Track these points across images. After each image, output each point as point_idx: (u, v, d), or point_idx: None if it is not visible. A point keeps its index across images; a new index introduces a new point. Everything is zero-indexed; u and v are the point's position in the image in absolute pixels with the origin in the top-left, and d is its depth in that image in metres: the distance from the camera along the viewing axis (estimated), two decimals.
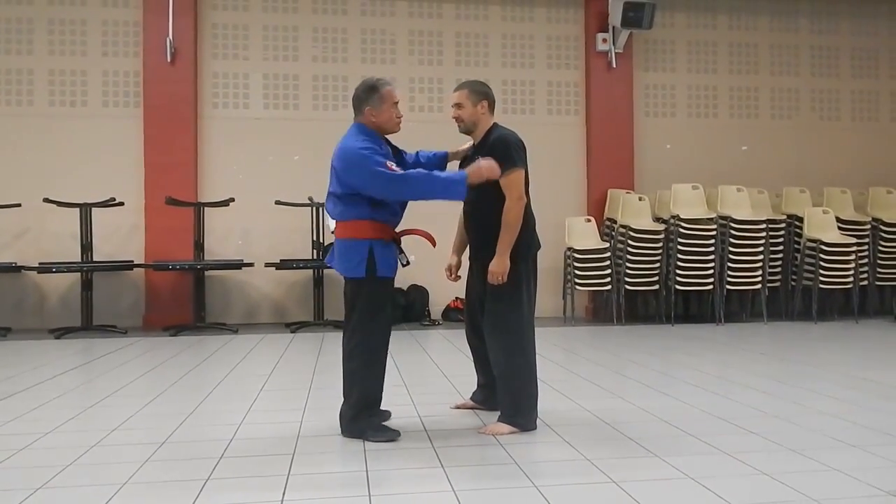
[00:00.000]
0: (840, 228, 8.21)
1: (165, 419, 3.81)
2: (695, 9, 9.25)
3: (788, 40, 9.46)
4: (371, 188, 3.30)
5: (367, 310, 3.38)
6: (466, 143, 3.79)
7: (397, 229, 3.52)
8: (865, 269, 8.27)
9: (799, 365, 5.43)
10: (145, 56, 8.10)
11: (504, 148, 3.47)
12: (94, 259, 7.65)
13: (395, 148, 3.59)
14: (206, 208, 7.83)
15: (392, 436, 3.39)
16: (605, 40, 8.76)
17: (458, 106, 3.63)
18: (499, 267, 3.42)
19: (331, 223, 7.54)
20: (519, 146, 3.53)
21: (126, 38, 8.19)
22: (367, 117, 3.42)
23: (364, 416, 3.42)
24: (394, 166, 3.30)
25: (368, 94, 3.41)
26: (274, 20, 8.47)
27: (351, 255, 3.37)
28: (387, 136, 3.52)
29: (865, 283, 8.31)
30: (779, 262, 8.29)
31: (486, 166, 3.32)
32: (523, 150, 3.54)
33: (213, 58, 8.37)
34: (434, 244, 3.63)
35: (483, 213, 3.54)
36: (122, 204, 7.76)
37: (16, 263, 7.54)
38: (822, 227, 8.12)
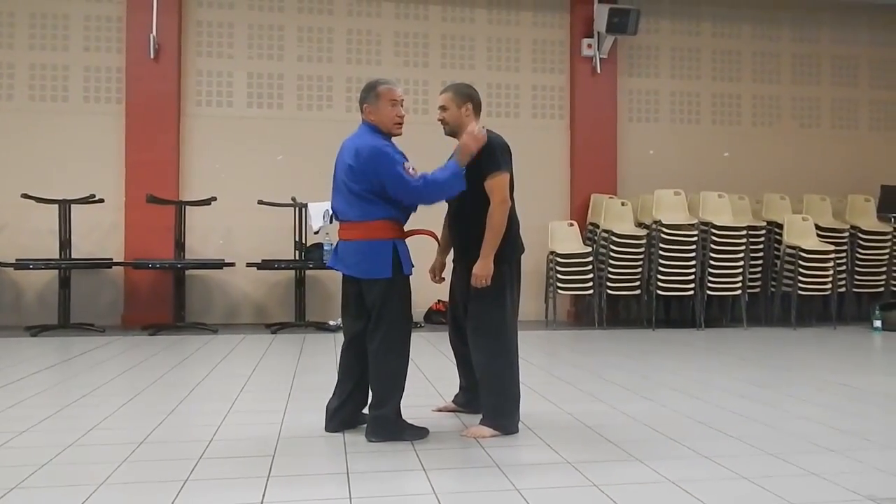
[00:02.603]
0: (819, 235, 8.31)
1: (144, 419, 3.77)
2: (679, 16, 9.32)
3: (770, 48, 9.56)
4: (392, 189, 3.30)
5: (397, 309, 3.38)
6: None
7: None
8: (843, 276, 8.37)
9: (778, 370, 5.48)
10: (128, 52, 8.03)
11: (489, 151, 3.46)
12: (73, 256, 7.56)
13: None
14: (187, 207, 7.76)
15: (425, 434, 3.42)
16: (590, 45, 8.81)
17: (443, 108, 3.64)
18: (483, 270, 3.41)
19: (315, 224, 7.59)
20: (504, 149, 3.52)
21: (109, 33, 8.12)
22: (367, 115, 3.43)
23: (400, 416, 3.42)
24: (412, 169, 3.32)
25: (366, 92, 3.45)
26: (259, 19, 8.43)
27: (375, 255, 3.33)
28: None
29: (843, 289, 8.41)
30: (759, 268, 8.37)
31: (469, 142, 3.37)
32: (508, 154, 3.54)
33: (198, 55, 8.31)
34: (438, 240, 3.77)
35: (468, 215, 3.53)
36: (101, 201, 7.68)
37: None
38: (801, 233, 8.21)
